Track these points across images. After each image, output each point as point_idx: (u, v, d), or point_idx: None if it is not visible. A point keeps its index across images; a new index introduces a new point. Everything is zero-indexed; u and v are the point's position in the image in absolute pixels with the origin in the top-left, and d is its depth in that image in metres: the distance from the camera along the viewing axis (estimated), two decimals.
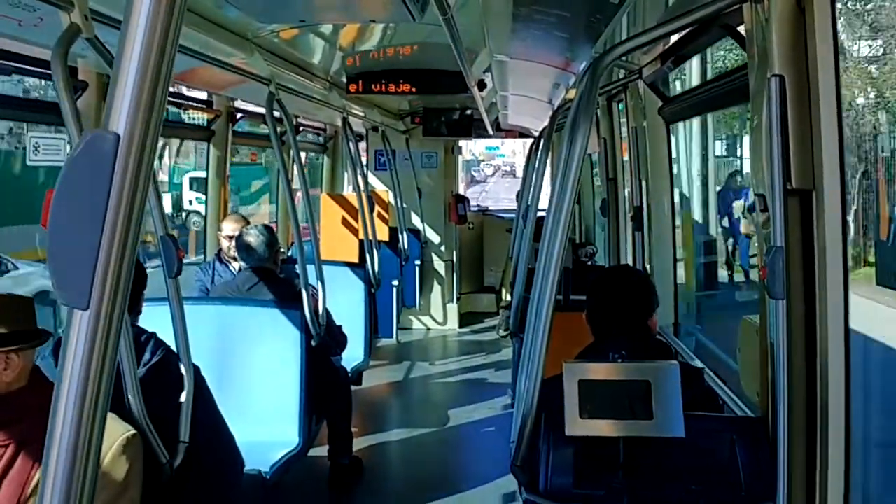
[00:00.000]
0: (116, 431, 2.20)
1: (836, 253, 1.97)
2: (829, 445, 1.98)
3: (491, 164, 45.72)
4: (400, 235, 8.55)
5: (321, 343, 4.29)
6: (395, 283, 8.40)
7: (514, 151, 37.18)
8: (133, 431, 2.25)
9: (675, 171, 5.00)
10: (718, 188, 10.62)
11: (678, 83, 6.62)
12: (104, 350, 0.89)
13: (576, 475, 2.24)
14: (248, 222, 5.36)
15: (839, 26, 1.98)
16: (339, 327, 4.74)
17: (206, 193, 5.82)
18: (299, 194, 5.99)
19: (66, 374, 0.90)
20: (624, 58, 3.93)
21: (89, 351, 0.89)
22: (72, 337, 0.90)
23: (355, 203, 6.60)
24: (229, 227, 5.37)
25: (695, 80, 6.83)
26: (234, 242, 5.25)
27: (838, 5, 2.01)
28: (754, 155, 2.20)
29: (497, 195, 27.96)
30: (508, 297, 6.68)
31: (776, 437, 1.99)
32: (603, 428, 2.18)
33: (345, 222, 6.65)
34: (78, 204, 0.89)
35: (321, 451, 4.98)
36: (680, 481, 2.25)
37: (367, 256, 6.59)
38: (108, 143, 0.88)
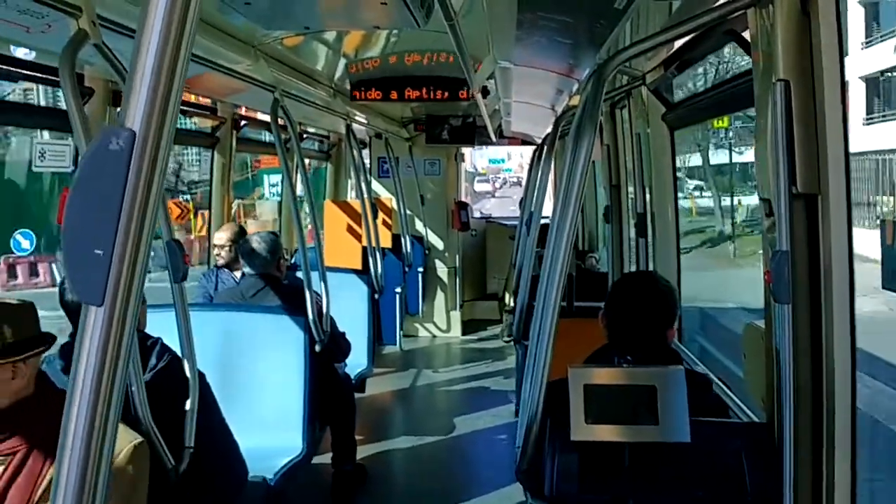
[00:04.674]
0: (124, 439, 2.19)
1: (841, 257, 1.97)
2: (836, 451, 1.97)
3: (498, 177, 46.06)
4: (403, 242, 8.56)
5: (325, 350, 4.29)
6: (399, 290, 8.39)
7: (522, 166, 36.72)
8: (140, 439, 2.24)
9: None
10: None
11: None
12: (118, 345, 0.89)
13: (581, 481, 2.23)
14: (243, 231, 5.35)
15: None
16: (343, 334, 4.74)
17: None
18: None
19: (81, 369, 0.90)
20: (628, 64, 3.94)
21: (103, 346, 0.89)
22: (86, 333, 0.91)
23: (359, 210, 6.61)
24: (220, 236, 5.35)
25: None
26: (223, 252, 5.26)
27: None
28: (760, 159, 2.19)
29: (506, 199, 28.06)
30: (511, 303, 6.67)
31: (782, 442, 1.98)
32: (608, 433, 2.17)
33: (348, 229, 6.67)
34: (94, 199, 0.89)
35: (325, 458, 4.98)
36: (685, 487, 2.24)
37: (371, 263, 6.59)
38: (125, 140, 0.88)
